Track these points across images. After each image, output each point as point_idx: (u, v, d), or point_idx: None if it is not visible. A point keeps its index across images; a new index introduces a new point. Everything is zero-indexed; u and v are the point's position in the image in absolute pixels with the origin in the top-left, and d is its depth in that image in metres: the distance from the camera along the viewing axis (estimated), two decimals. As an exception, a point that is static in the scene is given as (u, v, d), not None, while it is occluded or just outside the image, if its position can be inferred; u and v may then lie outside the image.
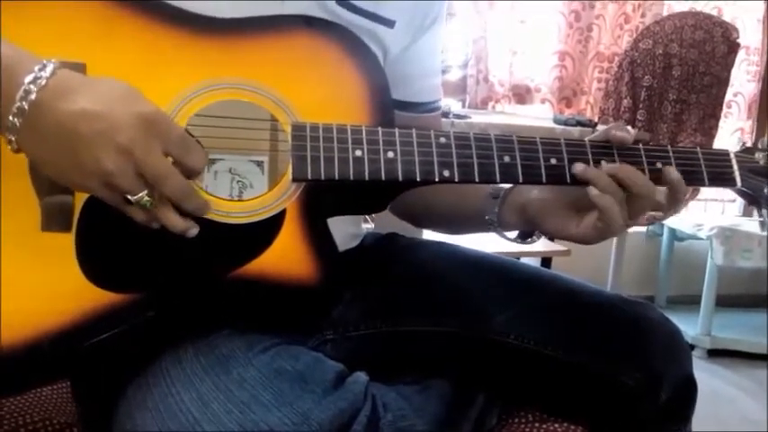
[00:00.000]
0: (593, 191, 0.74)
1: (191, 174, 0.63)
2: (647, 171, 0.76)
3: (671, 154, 0.77)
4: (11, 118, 0.58)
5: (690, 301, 2.83)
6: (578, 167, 0.74)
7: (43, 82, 0.58)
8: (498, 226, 0.85)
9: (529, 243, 0.87)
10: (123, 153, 0.58)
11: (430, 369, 0.83)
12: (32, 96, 0.58)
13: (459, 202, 0.90)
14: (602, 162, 0.75)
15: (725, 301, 2.84)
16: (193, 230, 0.64)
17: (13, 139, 0.59)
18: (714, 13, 2.84)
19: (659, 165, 0.77)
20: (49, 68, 0.59)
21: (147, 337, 0.68)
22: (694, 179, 0.78)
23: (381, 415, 0.68)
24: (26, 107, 0.58)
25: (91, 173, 0.59)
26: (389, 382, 0.76)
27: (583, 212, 0.78)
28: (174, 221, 0.63)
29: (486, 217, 0.85)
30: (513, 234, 0.87)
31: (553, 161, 0.74)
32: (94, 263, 0.66)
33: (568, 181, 0.75)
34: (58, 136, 0.58)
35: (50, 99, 0.58)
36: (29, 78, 0.58)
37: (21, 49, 0.60)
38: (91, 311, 0.65)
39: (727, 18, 2.82)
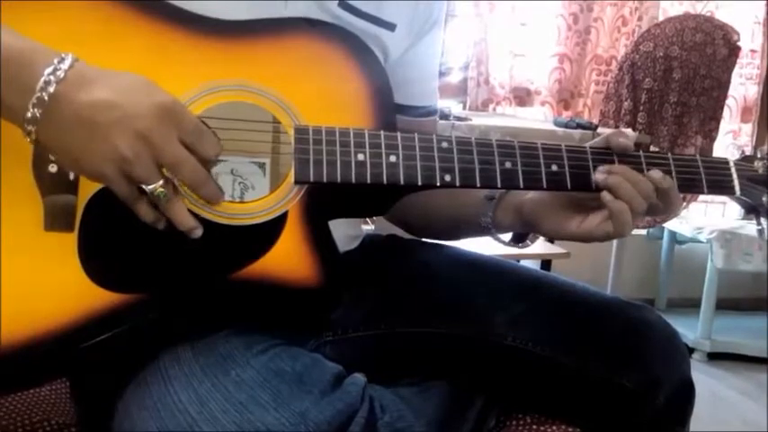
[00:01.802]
0: (606, 196, 0.74)
1: (205, 162, 0.64)
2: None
3: (671, 161, 0.78)
4: (31, 109, 0.59)
5: (690, 305, 2.83)
6: (601, 176, 0.75)
7: (62, 74, 0.59)
8: (493, 228, 0.85)
9: (522, 247, 0.87)
10: (141, 139, 0.59)
11: (429, 371, 0.83)
12: (51, 88, 0.58)
13: (454, 205, 0.90)
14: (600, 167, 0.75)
15: (725, 305, 2.84)
16: (198, 231, 0.65)
17: (33, 129, 0.59)
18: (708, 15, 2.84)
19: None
20: (68, 61, 0.60)
21: (148, 338, 0.69)
22: (693, 186, 0.79)
23: (379, 416, 0.68)
24: (46, 98, 0.58)
25: (108, 160, 0.59)
26: (388, 384, 0.76)
27: (584, 211, 0.78)
28: (184, 218, 0.63)
29: (481, 219, 0.85)
30: (508, 237, 0.87)
31: (554, 167, 0.74)
32: (97, 263, 0.66)
33: (569, 187, 0.75)
34: (76, 126, 0.59)
35: (69, 90, 0.59)
36: (48, 70, 0.59)
37: (38, 43, 0.61)
38: (92, 311, 0.65)
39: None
